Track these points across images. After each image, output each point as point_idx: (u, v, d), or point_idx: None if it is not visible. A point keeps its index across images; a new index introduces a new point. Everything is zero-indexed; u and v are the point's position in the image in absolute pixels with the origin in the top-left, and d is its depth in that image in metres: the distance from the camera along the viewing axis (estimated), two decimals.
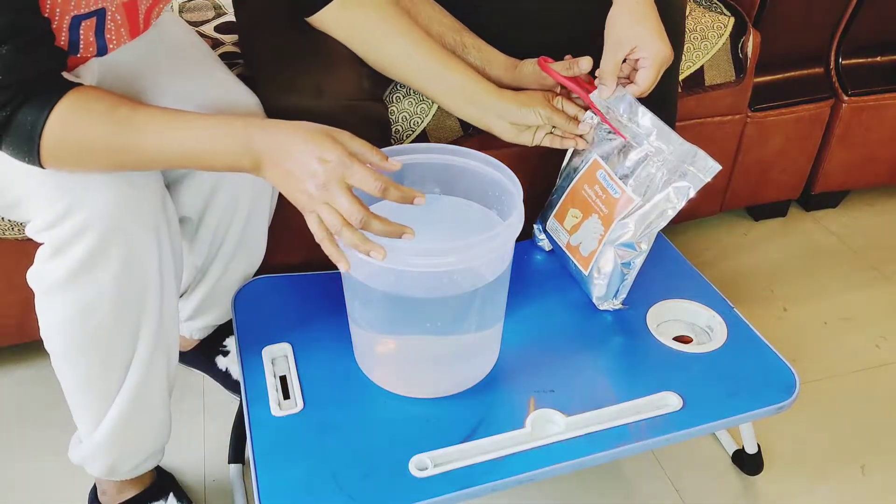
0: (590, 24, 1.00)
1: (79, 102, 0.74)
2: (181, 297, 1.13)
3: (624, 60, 0.96)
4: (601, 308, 1.01)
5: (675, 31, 1.09)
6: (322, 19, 0.98)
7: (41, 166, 0.75)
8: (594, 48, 0.98)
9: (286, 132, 0.77)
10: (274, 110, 0.98)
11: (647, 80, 0.95)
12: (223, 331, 1.22)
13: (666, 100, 1.19)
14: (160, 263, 0.82)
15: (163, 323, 0.85)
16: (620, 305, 1.01)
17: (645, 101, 0.99)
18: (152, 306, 0.83)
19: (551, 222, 1.06)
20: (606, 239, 0.97)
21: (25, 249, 1.06)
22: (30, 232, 0.80)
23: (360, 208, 0.75)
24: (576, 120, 1.00)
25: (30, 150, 0.73)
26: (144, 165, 0.79)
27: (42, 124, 0.72)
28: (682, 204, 0.93)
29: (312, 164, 0.75)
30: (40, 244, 0.80)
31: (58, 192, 0.76)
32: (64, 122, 0.73)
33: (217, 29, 1.30)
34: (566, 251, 1.04)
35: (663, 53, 0.94)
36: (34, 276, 0.81)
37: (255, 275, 1.10)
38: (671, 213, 0.94)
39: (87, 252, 0.77)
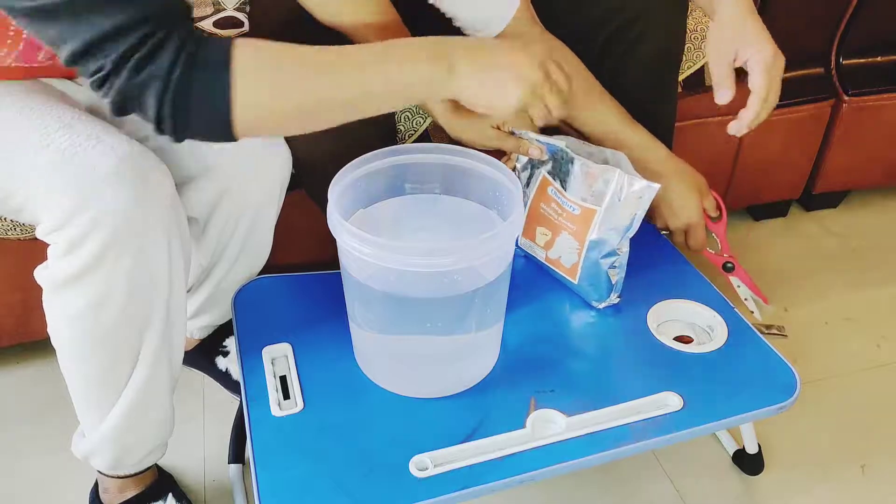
0: (588, 18, 0.99)
1: (257, 58, 0.70)
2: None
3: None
4: (600, 307, 1.01)
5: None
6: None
7: (233, 138, 0.72)
8: (592, 42, 0.98)
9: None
10: None
11: (758, 84, 0.90)
12: (223, 331, 1.22)
13: (666, 99, 1.19)
14: (170, 259, 0.82)
15: (170, 318, 0.85)
16: (618, 299, 1.01)
17: (646, 101, 0.98)
18: (161, 302, 0.83)
19: (522, 240, 1.06)
20: (585, 254, 0.98)
21: (28, 250, 1.07)
22: (40, 234, 0.79)
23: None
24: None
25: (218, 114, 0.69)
26: (351, 108, 0.77)
27: (228, 87, 0.68)
28: (648, 201, 0.93)
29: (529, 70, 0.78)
30: (50, 245, 0.79)
31: (64, 191, 0.76)
32: (254, 82, 0.69)
33: (216, 24, 1.30)
34: (547, 264, 1.04)
35: (768, 52, 0.90)
36: (44, 274, 0.81)
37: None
38: (641, 214, 0.94)
39: (101, 247, 0.76)
